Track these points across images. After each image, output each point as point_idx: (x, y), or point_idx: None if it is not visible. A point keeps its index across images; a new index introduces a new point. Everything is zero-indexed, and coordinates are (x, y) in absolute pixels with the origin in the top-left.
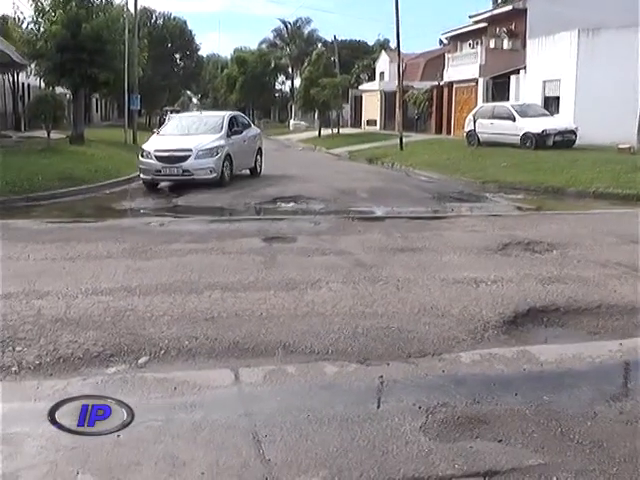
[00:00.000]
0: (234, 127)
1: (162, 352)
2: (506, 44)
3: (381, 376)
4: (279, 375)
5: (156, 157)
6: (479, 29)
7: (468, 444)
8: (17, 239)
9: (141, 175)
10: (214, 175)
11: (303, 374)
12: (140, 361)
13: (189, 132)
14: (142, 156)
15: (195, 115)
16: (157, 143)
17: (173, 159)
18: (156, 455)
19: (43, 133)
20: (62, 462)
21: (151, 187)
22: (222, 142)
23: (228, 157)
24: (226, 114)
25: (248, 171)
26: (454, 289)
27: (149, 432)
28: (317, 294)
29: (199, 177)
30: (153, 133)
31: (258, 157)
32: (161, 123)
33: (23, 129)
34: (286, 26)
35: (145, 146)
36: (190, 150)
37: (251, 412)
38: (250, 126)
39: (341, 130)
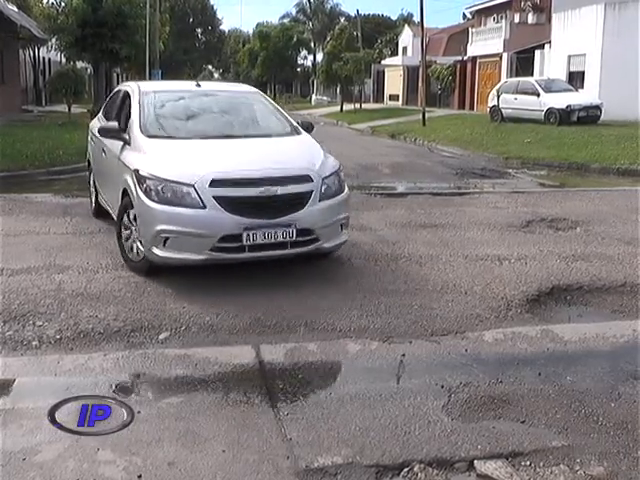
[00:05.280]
0: None
1: (183, 328)
2: (531, 18)
3: (403, 354)
4: (300, 352)
5: (222, 200)
6: (504, 3)
7: (491, 424)
8: (38, 213)
9: (158, 252)
10: (345, 237)
11: (325, 352)
12: (161, 337)
13: (222, 133)
14: (151, 196)
15: (197, 92)
16: (181, 160)
17: (275, 204)
18: (177, 432)
19: (64, 107)
20: (82, 438)
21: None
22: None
23: None
24: (252, 91)
25: None
26: (477, 266)
27: (170, 409)
28: (339, 270)
29: (329, 245)
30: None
31: None
32: None
33: (44, 103)
34: (309, 0)
35: (149, 168)
36: (307, 177)
37: (272, 390)
38: None
39: (363, 105)
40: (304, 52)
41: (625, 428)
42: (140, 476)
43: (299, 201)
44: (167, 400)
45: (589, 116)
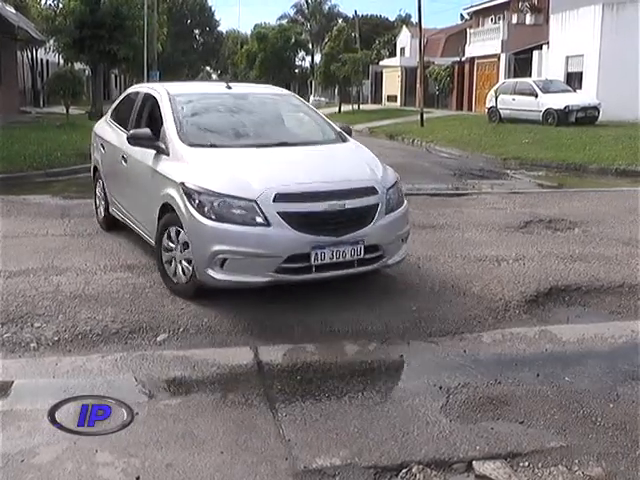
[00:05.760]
0: None
1: (181, 329)
2: (529, 19)
3: (401, 355)
4: (299, 353)
5: (287, 216)
6: (502, 4)
7: (489, 425)
8: (36, 215)
9: (215, 274)
10: (405, 252)
11: (323, 353)
12: (159, 338)
13: (267, 140)
14: (204, 212)
15: (229, 95)
16: (235, 172)
17: (342, 219)
18: (175, 433)
19: (62, 109)
20: (80, 441)
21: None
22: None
23: None
24: (285, 93)
25: None
26: (475, 267)
27: (168, 410)
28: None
29: (392, 261)
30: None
31: None
32: None
33: (42, 105)
34: (307, 1)
35: (199, 181)
36: (372, 189)
37: (270, 391)
38: None
39: (361, 106)
40: (302, 53)
41: (623, 429)
42: (138, 478)
43: (366, 215)
44: (165, 401)
45: (587, 117)
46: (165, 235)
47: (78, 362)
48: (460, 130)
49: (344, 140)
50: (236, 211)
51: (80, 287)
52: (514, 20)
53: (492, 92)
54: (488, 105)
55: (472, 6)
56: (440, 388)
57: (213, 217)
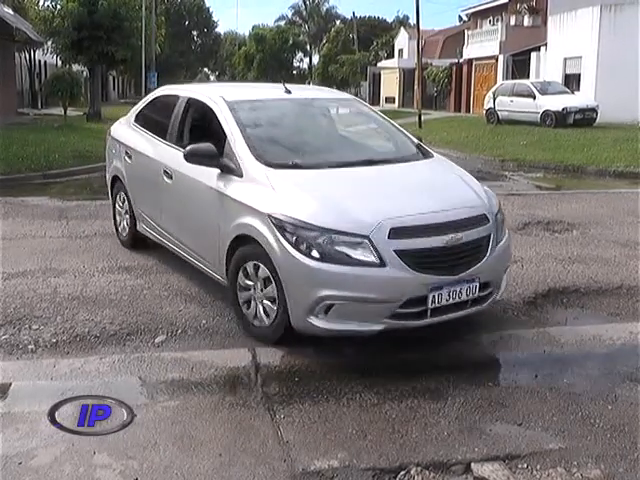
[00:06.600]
0: None
1: (179, 331)
2: (527, 21)
3: (400, 357)
4: (297, 355)
5: (404, 254)
6: (500, 5)
7: (488, 427)
8: (34, 216)
9: (318, 322)
10: (505, 285)
11: (321, 354)
12: (157, 340)
13: (354, 158)
14: (304, 250)
15: (293, 101)
16: (334, 200)
17: (458, 255)
18: (173, 435)
19: (60, 110)
20: (78, 442)
21: None
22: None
23: None
24: (349, 98)
25: None
26: None
27: (166, 412)
28: None
29: (499, 296)
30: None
31: None
32: None
33: (40, 106)
34: (305, 2)
35: (294, 212)
36: (484, 218)
37: (269, 393)
38: None
39: None
40: (300, 54)
41: (622, 431)
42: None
43: (480, 249)
44: (163, 403)
45: (585, 118)
46: (241, 271)
47: (76, 364)
48: (458, 131)
49: (426, 154)
50: (345, 249)
51: (78, 289)
52: (512, 22)
53: (490, 94)
54: (486, 107)
55: (470, 7)
56: (439, 390)
57: (317, 256)
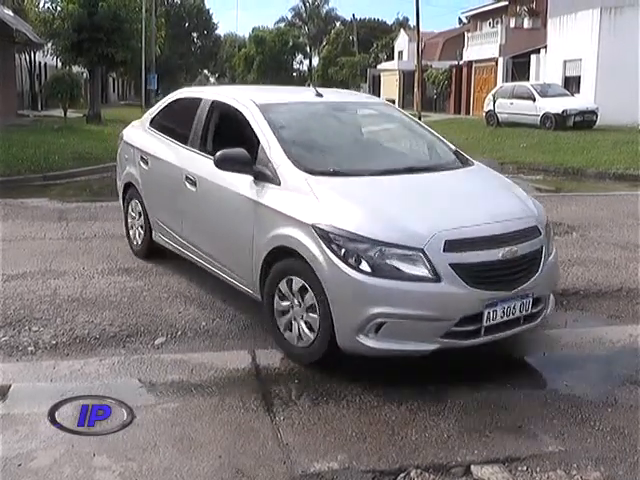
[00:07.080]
0: None
1: (179, 333)
2: (527, 23)
3: (399, 356)
4: None
5: (460, 268)
6: (500, 8)
7: (487, 429)
8: (34, 218)
9: (368, 342)
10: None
11: None
12: (157, 342)
13: (397, 165)
14: (354, 265)
15: (326, 106)
16: (383, 210)
17: (512, 269)
18: (173, 437)
19: (60, 112)
20: (78, 444)
21: None
22: None
23: None
24: (381, 102)
25: None
26: None
27: (166, 414)
28: None
29: (550, 313)
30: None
31: None
32: None
33: (40, 108)
34: (304, 4)
35: (341, 223)
36: (536, 230)
37: (268, 394)
38: None
39: None
40: (300, 56)
41: (622, 433)
42: None
43: (534, 262)
44: (163, 405)
45: (585, 121)
46: (280, 287)
47: (76, 366)
48: (458, 134)
49: (465, 162)
50: (396, 263)
51: (78, 291)
52: (512, 24)
53: (490, 96)
54: (486, 109)
55: (470, 10)
56: (438, 392)
57: (367, 270)
